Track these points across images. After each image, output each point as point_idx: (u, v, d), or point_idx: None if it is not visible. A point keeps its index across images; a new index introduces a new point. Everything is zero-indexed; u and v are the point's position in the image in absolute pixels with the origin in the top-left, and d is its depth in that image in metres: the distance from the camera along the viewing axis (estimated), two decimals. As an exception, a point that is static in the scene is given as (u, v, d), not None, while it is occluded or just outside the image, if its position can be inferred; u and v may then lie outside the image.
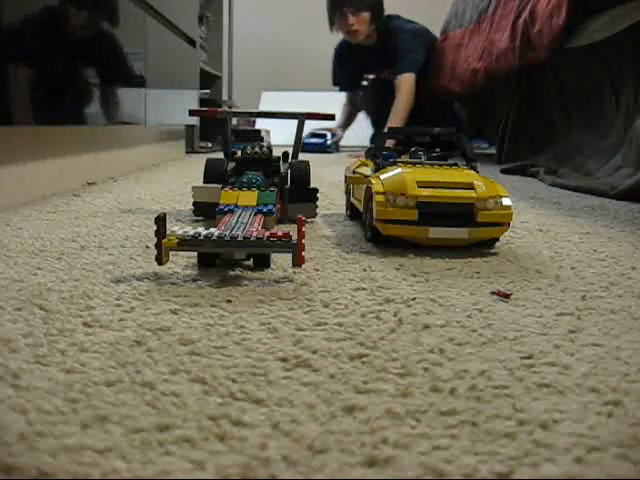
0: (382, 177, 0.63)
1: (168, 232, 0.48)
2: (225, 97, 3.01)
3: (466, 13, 2.10)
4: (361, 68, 2.48)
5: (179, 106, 1.73)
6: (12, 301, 0.41)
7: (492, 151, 2.14)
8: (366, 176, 0.68)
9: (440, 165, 0.69)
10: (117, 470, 0.22)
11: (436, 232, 0.59)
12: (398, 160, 0.70)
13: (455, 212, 0.60)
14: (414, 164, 0.68)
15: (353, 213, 0.79)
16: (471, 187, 0.61)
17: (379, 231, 0.61)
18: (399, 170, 0.64)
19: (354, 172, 0.77)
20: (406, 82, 2.20)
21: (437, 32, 2.36)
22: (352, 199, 0.78)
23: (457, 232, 0.59)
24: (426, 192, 0.60)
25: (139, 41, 1.34)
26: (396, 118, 2.14)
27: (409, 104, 2.19)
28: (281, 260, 0.54)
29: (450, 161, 0.71)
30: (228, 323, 0.38)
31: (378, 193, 0.60)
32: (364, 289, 0.47)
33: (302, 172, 0.77)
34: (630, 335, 0.38)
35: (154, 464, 0.22)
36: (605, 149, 1.28)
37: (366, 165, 0.75)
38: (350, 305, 0.42)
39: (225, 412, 0.26)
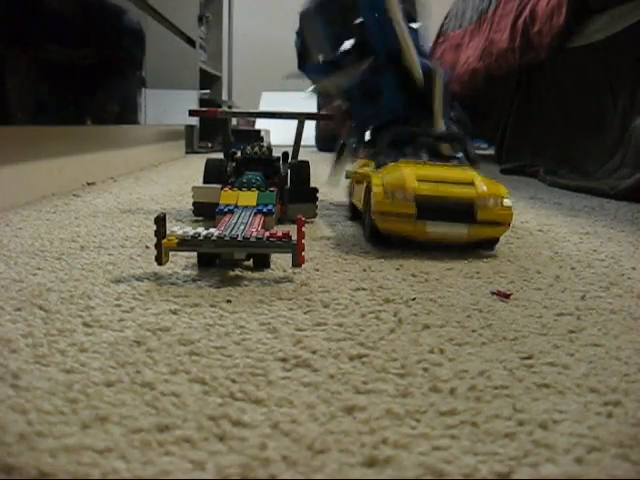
0: (381, 173, 0.63)
1: (168, 232, 0.48)
2: (225, 97, 3.01)
3: (466, 13, 2.10)
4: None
5: (179, 106, 1.73)
6: (12, 301, 0.41)
7: (492, 151, 2.14)
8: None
9: (442, 165, 0.69)
10: (117, 470, 0.22)
11: (434, 228, 0.58)
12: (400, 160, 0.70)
13: (454, 208, 0.59)
14: (416, 163, 0.68)
15: (354, 214, 0.79)
16: (471, 184, 0.60)
17: (378, 230, 0.61)
18: (399, 167, 0.64)
19: (355, 172, 0.77)
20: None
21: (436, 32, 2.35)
22: (352, 199, 0.78)
23: (456, 228, 0.59)
24: (425, 186, 0.59)
25: (139, 41, 1.34)
26: None
27: None
28: (281, 260, 0.54)
29: (452, 162, 0.71)
30: (228, 323, 0.38)
31: (377, 185, 0.60)
32: (364, 289, 0.47)
33: (302, 172, 0.77)
34: (630, 335, 0.38)
35: (154, 464, 0.22)
36: (604, 149, 1.28)
37: (368, 165, 0.75)
38: (350, 305, 0.42)
39: (225, 412, 0.26)
